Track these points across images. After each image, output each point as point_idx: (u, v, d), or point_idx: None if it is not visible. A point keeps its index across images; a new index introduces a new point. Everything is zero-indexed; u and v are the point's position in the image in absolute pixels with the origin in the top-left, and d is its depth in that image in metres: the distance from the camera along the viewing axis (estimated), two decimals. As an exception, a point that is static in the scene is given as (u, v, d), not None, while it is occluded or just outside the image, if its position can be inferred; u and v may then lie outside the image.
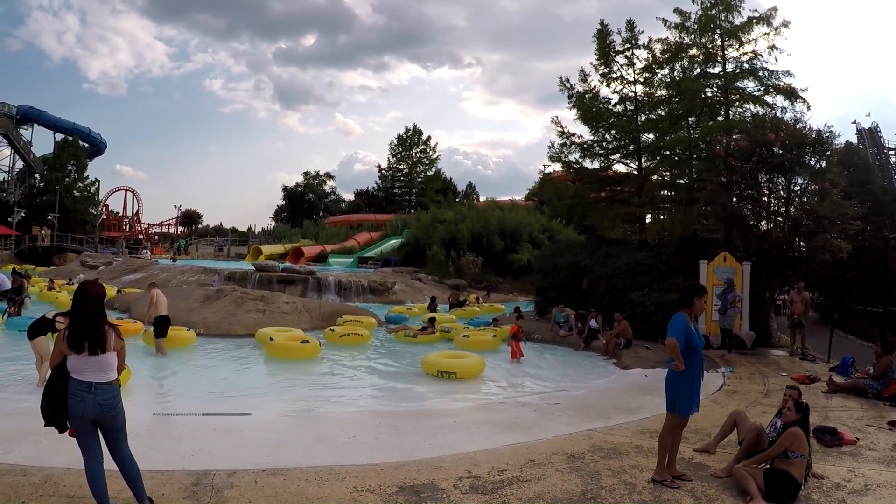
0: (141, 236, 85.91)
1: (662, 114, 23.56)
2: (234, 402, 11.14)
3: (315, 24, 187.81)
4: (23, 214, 60.69)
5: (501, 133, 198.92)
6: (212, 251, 68.13)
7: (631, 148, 24.61)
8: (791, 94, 21.51)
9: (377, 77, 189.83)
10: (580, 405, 11.01)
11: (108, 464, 5.42)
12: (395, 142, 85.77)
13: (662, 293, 18.70)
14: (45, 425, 5.36)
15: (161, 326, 15.25)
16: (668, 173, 23.99)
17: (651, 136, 24.29)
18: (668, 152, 23.32)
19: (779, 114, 20.84)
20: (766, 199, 19.40)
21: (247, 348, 17.30)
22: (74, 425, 5.28)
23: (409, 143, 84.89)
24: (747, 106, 22.07)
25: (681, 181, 23.04)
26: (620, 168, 25.50)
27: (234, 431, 8.80)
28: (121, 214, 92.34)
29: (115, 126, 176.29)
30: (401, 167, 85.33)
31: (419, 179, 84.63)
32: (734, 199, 19.93)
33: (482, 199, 76.64)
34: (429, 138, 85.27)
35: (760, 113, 21.27)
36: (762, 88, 21.94)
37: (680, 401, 6.69)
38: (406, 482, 6.51)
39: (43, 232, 60.62)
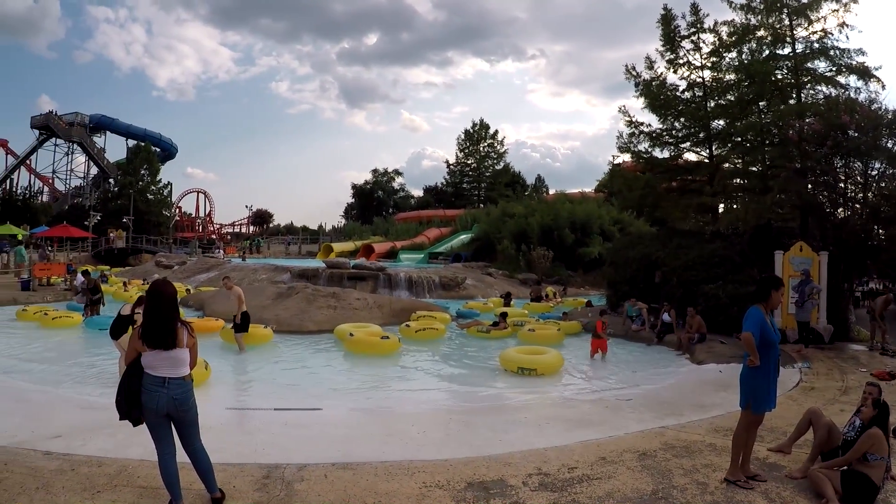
0: (214, 236, 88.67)
1: (732, 99, 23.04)
2: (308, 397, 11.33)
3: (376, 23, 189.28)
4: (98, 218, 62.10)
5: (569, 124, 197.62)
6: (283, 249, 69.04)
7: (701, 135, 24.12)
8: (864, 73, 20.64)
9: (441, 73, 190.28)
10: (653, 401, 10.84)
11: (181, 456, 5.56)
12: (463, 137, 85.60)
13: (737, 285, 18.27)
14: (120, 419, 5.53)
15: (243, 322, 15.59)
16: (739, 161, 23.39)
17: (721, 122, 23.74)
18: (739, 139, 22.74)
19: (852, 94, 20.17)
20: (842, 185, 18.82)
21: (325, 344, 17.62)
22: (148, 419, 5.46)
23: (477, 137, 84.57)
24: (819, 87, 21.37)
25: (753, 168, 22.46)
26: (691, 157, 25.05)
27: (306, 426, 8.92)
28: (193, 216, 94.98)
29: (186, 130, 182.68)
30: (469, 162, 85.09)
31: (487, 174, 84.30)
32: (809, 185, 19.38)
33: (551, 191, 76.40)
34: (496, 132, 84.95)
35: (833, 94, 20.56)
36: (834, 69, 21.15)
37: (755, 397, 6.48)
38: (475, 478, 6.49)
39: (117, 234, 62.19)
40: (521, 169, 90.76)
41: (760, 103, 22.06)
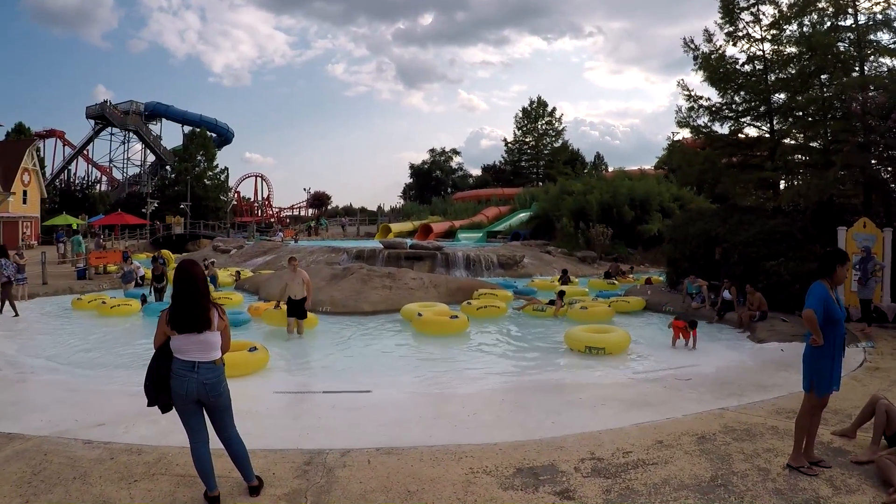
0: (273, 220, 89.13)
1: (793, 72, 22.53)
2: (363, 378, 11.37)
3: (432, 3, 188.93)
4: (156, 205, 63.62)
5: (627, 102, 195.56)
6: (341, 231, 69.66)
7: (762, 109, 23.63)
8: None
9: (498, 52, 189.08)
10: (712, 382, 10.74)
11: (216, 443, 5.54)
12: (521, 114, 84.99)
13: (799, 262, 18.00)
14: (149, 405, 5.48)
15: (302, 308, 15.66)
16: (801, 135, 22.89)
17: (782, 96, 23.27)
18: (800, 113, 22.29)
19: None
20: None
21: (386, 324, 17.93)
22: (178, 405, 5.40)
23: (535, 115, 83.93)
24: (883, 60, 20.63)
25: (815, 144, 21.97)
26: (751, 132, 24.60)
27: (354, 409, 8.87)
28: (252, 200, 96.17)
29: (242, 116, 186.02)
30: (527, 140, 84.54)
31: (546, 152, 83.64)
32: (873, 161, 18.98)
33: (610, 169, 75.49)
34: (554, 110, 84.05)
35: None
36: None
37: (819, 379, 6.29)
38: (525, 463, 6.42)
39: (176, 220, 63.70)
40: (580, 147, 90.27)
41: (822, 76, 21.49)
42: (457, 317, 16.48)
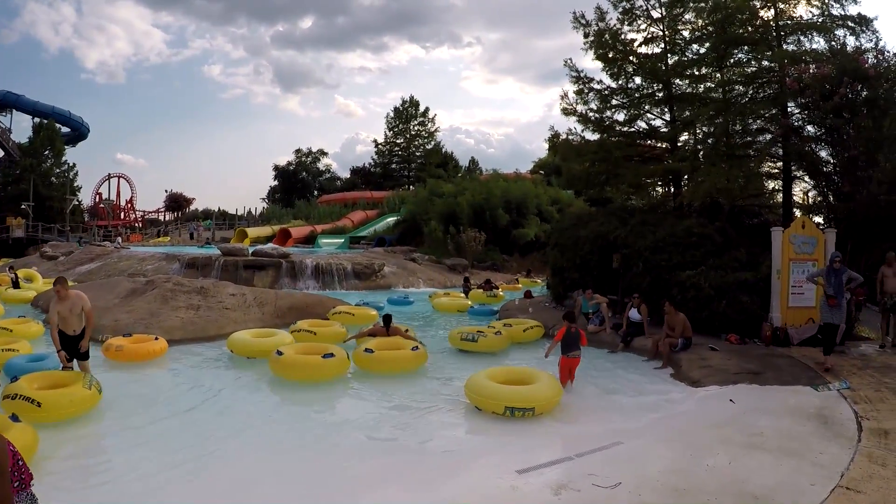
0: (138, 224, 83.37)
1: (702, 50, 18.86)
2: None
3: (312, 6, 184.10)
4: None
5: (502, 111, 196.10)
6: (197, 236, 63.66)
7: (661, 95, 19.87)
8: (862, 21, 16.62)
9: (376, 58, 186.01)
10: (659, 487, 6.02)
11: None
12: (392, 115, 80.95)
13: (721, 272, 14.09)
14: None
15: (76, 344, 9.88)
16: (717, 121, 18.95)
17: (685, 82, 19.59)
18: (715, 94, 18.54)
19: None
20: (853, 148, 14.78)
21: (198, 363, 12.72)
22: None
23: (407, 116, 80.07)
24: (804, 39, 17.30)
25: (736, 128, 18.04)
26: (651, 119, 20.78)
27: None
28: (114, 202, 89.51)
29: (115, 115, 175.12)
30: (398, 141, 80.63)
31: (418, 154, 79.86)
32: (808, 147, 15.49)
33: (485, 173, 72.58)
34: (427, 110, 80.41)
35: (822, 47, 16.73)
36: (822, 19, 17.18)
37: None
38: None
39: (16, 222, 56.91)
40: (455, 153, 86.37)
41: (740, 49, 17.82)
42: (332, 355, 11.12)
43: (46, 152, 67.26)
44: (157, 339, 12.97)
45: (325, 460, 7.29)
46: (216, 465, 7.08)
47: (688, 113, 19.25)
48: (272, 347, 11.66)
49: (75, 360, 9.76)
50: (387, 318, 13.77)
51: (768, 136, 16.81)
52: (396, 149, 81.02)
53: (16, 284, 24.31)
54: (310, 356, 11.06)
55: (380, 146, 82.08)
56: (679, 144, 19.91)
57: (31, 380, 8.82)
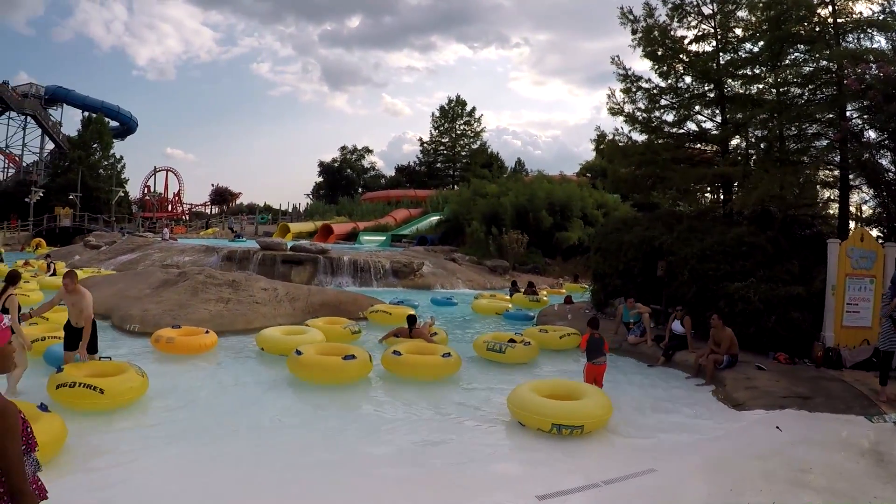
0: (185, 216, 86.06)
1: (755, 49, 18.02)
2: None
3: (360, 6, 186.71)
4: (41, 195, 57.99)
5: (550, 113, 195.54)
6: (241, 229, 64.01)
7: (712, 96, 19.03)
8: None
9: (424, 58, 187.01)
10: None
11: None
12: (437, 114, 79.94)
13: (772, 285, 13.20)
14: None
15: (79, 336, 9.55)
16: (770, 124, 18.04)
17: (737, 82, 18.73)
18: (769, 96, 17.65)
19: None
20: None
21: (226, 359, 12.38)
22: None
23: (453, 115, 78.94)
24: (864, 38, 16.15)
25: (791, 131, 17.12)
26: (702, 121, 19.94)
27: None
28: (162, 195, 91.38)
29: (166, 111, 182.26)
30: (444, 140, 79.58)
31: (463, 153, 78.83)
32: (869, 153, 14.56)
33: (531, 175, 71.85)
34: (473, 110, 79.09)
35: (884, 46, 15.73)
36: (884, 16, 16.17)
37: None
38: None
39: (64, 212, 58.44)
40: (501, 155, 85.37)
41: (797, 48, 16.89)
42: (353, 356, 10.60)
43: (95, 145, 69.01)
44: (207, 332, 12.82)
45: (335, 474, 6.75)
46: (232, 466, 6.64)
47: (740, 115, 18.41)
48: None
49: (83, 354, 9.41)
50: (410, 319, 13.44)
51: (825, 142, 15.89)
52: (441, 148, 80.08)
53: (53, 272, 24.57)
54: (330, 357, 10.58)
55: (425, 144, 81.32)
56: (730, 148, 19.02)
57: (78, 368, 8.84)
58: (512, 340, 13.06)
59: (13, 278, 9.62)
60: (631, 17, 19.91)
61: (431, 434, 8.27)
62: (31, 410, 6.58)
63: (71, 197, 59.97)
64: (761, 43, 17.70)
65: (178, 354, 11.91)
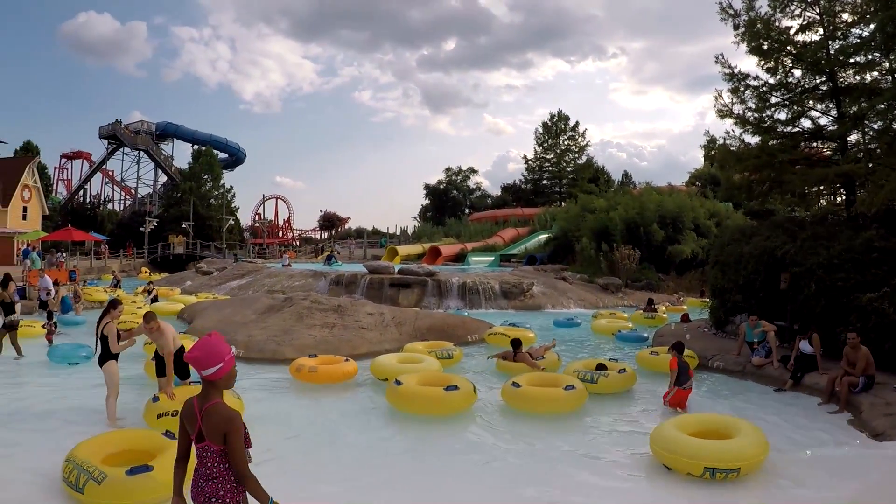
0: (295, 242, 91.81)
1: (865, 33, 16.83)
2: None
3: (454, 28, 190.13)
4: (155, 224, 63.18)
5: (653, 122, 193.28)
6: (349, 253, 65.03)
7: (824, 89, 17.83)
8: None
9: (522, 75, 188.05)
10: None
11: None
12: (541, 130, 79.10)
13: (910, 294, 11.99)
14: None
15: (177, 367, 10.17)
16: (890, 113, 16.63)
17: (851, 71, 17.47)
18: (885, 85, 16.36)
19: None
20: None
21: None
22: None
23: (556, 130, 77.87)
24: None
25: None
26: (816, 117, 18.70)
27: None
28: (272, 221, 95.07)
29: (273, 141, 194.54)
30: (548, 157, 78.45)
31: (569, 169, 77.46)
32: None
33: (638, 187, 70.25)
34: (577, 124, 77.77)
35: None
36: None
37: None
38: None
39: (178, 240, 62.73)
40: (608, 169, 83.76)
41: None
42: (456, 387, 10.13)
43: (206, 176, 73.34)
44: (347, 360, 12.78)
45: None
46: None
47: (855, 108, 17.15)
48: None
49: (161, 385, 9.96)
50: (515, 343, 13.22)
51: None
52: (546, 164, 79.00)
53: (154, 299, 25.11)
54: (431, 388, 10.13)
55: (529, 162, 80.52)
56: (849, 144, 17.73)
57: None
58: (601, 366, 12.30)
59: (113, 306, 9.86)
60: (731, 11, 18.91)
61: (539, 475, 7.59)
62: (158, 439, 7.22)
63: (184, 226, 64.45)
64: (872, 25, 16.37)
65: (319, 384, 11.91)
